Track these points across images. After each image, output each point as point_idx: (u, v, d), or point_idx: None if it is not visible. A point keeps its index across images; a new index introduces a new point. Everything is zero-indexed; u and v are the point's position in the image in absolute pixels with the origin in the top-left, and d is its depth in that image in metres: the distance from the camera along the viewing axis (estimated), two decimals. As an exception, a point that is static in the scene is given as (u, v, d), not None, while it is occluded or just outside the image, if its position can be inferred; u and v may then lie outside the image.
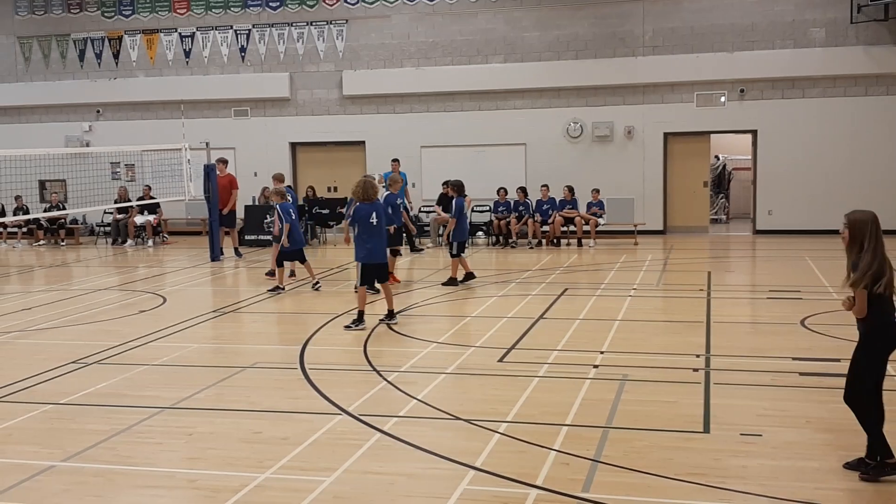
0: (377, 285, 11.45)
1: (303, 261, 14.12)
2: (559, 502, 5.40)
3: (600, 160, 21.83)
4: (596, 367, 8.54)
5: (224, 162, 19.12)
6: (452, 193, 14.43)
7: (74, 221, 23.57)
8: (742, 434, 6.50)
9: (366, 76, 22.90)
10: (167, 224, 23.27)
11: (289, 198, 14.40)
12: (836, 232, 6.34)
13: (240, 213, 20.52)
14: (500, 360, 8.92)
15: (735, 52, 20.87)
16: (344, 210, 18.48)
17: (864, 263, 5.49)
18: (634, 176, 21.74)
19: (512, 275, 15.25)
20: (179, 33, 23.97)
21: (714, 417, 6.89)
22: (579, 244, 19.99)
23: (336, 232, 22.01)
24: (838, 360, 8.08)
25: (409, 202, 19.39)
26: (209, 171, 18.27)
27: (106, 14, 24.40)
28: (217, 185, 18.31)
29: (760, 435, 6.48)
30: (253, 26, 23.53)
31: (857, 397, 5.69)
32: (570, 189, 20.56)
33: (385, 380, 8.24)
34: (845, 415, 5.96)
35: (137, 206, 21.72)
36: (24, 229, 23.19)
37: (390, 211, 14.59)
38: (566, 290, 13.48)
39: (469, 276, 13.99)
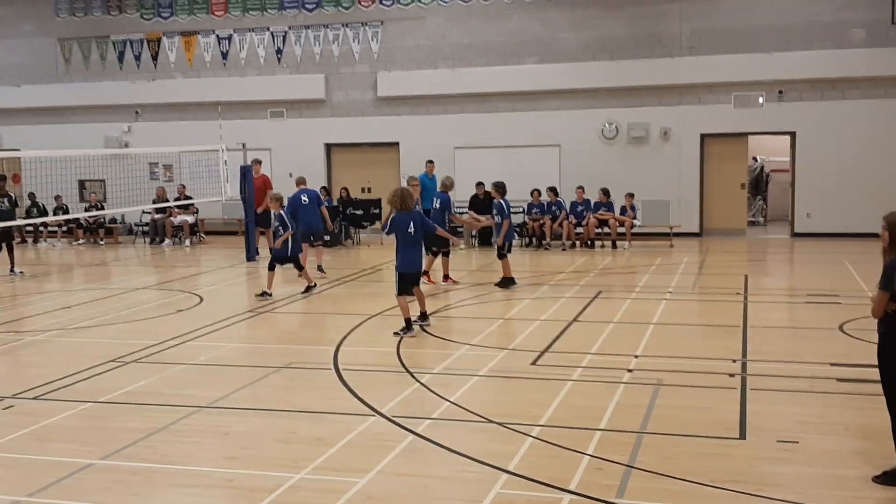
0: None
1: (299, 268, 13.79)
2: (593, 507, 5.38)
3: (636, 161, 21.71)
4: (630, 371, 8.50)
5: (259, 162, 19.32)
6: (496, 195, 14.14)
7: (113, 221, 23.89)
8: (779, 441, 6.43)
9: (400, 77, 22.96)
10: (204, 224, 23.51)
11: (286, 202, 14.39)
12: (875, 235, 6.26)
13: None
14: (534, 363, 8.91)
15: (773, 53, 20.63)
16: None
17: (887, 263, 5.41)
18: (670, 177, 21.59)
19: (545, 277, 15.21)
20: (217, 35, 24.21)
21: (750, 424, 6.83)
22: (614, 246, 19.88)
23: (370, 233, 22.12)
24: (877, 367, 7.95)
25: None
26: (245, 171, 18.45)
27: (145, 16, 24.72)
28: (253, 185, 18.49)
29: (797, 442, 6.41)
30: (289, 28, 23.70)
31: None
32: (605, 191, 20.46)
33: (418, 381, 8.26)
34: (884, 422, 5.87)
35: (176, 206, 21.96)
36: (64, 228, 23.56)
37: (437, 206, 14.64)
38: (600, 292, 13.42)
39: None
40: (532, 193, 20.77)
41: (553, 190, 20.75)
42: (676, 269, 16.15)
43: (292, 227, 13.65)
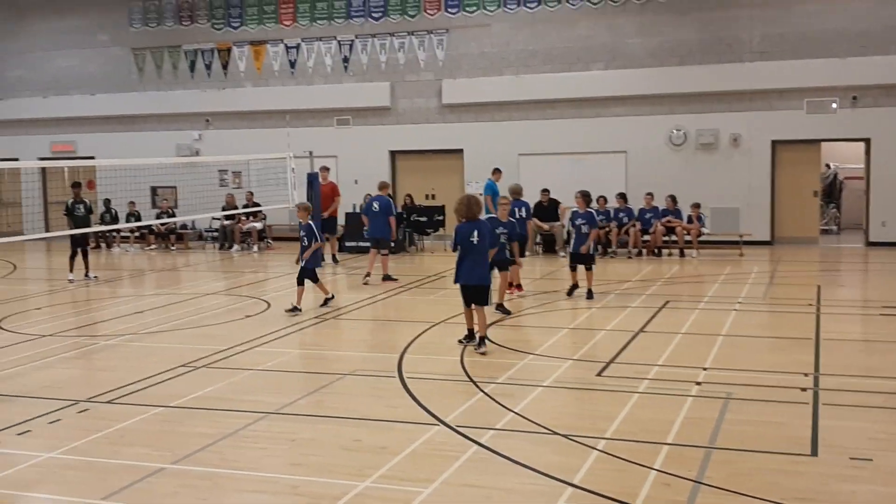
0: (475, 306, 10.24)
1: (315, 280, 13.29)
2: (660, 524, 5.31)
3: (704, 168, 21.38)
4: (699, 384, 8.36)
5: (326, 169, 19.61)
6: (582, 205, 13.64)
7: (184, 227, 24.41)
8: (851, 458, 6.25)
9: (465, 85, 23.01)
10: (271, 230, 23.87)
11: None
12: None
13: (340, 220, 20.87)
14: (599, 374, 8.82)
15: (847, 58, 20.14)
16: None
17: None
18: (740, 185, 21.21)
19: (611, 286, 15.05)
20: (285, 44, 24.59)
21: (822, 440, 6.66)
22: (681, 255, 19.59)
23: (433, 239, 22.19)
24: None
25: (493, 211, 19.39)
26: (312, 179, 18.70)
27: (216, 26, 25.23)
28: (319, 192, 18.73)
29: (871, 459, 6.22)
30: (356, 37, 23.95)
31: None
32: (673, 198, 20.19)
33: (482, 391, 8.25)
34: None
35: (244, 213, 22.35)
36: (137, 234, 24.15)
37: (523, 214, 14.61)
38: (667, 302, 13.23)
39: (575, 287, 13.78)
40: (598, 200, 20.58)
41: (623, 196, 20.54)
42: (746, 278, 15.84)
43: (320, 239, 13.35)
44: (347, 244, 21.32)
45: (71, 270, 16.98)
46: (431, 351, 10.15)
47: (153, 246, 23.78)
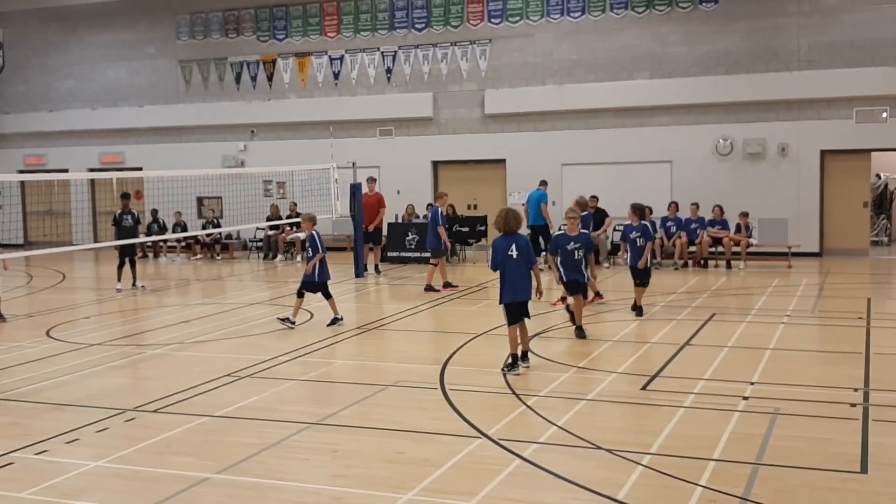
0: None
1: (327, 295, 12.84)
2: (706, 542, 5.22)
3: (751, 178, 21.12)
4: (745, 398, 8.22)
5: (373, 180, 19.79)
6: (635, 219, 13.21)
7: (229, 237, 24.69)
8: (904, 477, 6.12)
9: (508, 95, 23.01)
10: (315, 240, 23.98)
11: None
12: None
13: (383, 231, 20.94)
14: (644, 388, 8.72)
15: (898, 66, 19.80)
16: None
17: None
18: (788, 195, 20.90)
19: (656, 297, 14.89)
20: (329, 56, 24.81)
21: (873, 457, 6.51)
22: (728, 266, 19.34)
23: (475, 249, 22.17)
24: None
25: (549, 221, 19.40)
26: (355, 189, 18.81)
27: (261, 38, 25.54)
28: (362, 203, 18.84)
29: (925, 479, 6.08)
30: (399, 48, 24.08)
31: None
32: (720, 209, 19.95)
33: (524, 404, 8.20)
34: None
35: (288, 224, 22.55)
36: (183, 244, 24.48)
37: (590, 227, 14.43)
38: (714, 315, 13.06)
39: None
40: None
41: (675, 205, 20.29)
42: (795, 291, 15.59)
43: (322, 250, 12.73)
44: (390, 254, 21.39)
45: (119, 280, 17.25)
46: (474, 363, 10.12)
47: (199, 256, 24.07)
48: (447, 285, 16.28)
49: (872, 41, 20.02)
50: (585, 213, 15.01)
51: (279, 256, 23.04)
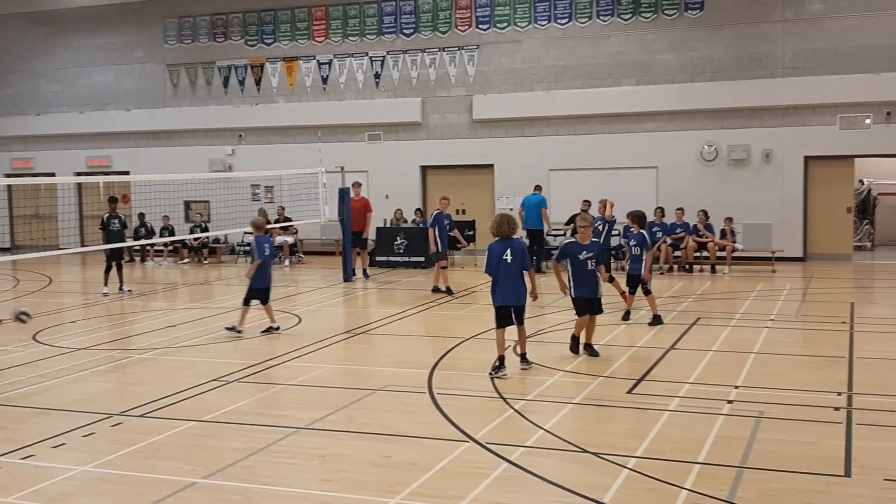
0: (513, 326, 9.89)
1: (265, 302, 12.65)
2: (690, 544, 5.27)
3: (736, 184, 21.27)
4: (730, 402, 8.30)
5: (359, 185, 19.81)
6: (635, 226, 13.10)
7: (217, 241, 24.65)
8: (886, 479, 6.18)
9: (495, 100, 23.09)
10: (303, 244, 24.04)
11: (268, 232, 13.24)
12: None
13: (371, 235, 20.98)
14: (630, 392, 8.79)
15: (881, 74, 19.99)
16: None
17: None
18: (772, 200, 21.05)
19: (642, 302, 14.93)
20: (318, 60, 24.83)
21: (856, 460, 6.59)
22: (713, 271, 19.46)
23: (464, 254, 22.21)
24: None
25: (548, 225, 19.80)
26: (343, 194, 18.84)
27: (249, 42, 25.54)
28: (350, 207, 18.86)
29: (907, 481, 6.16)
30: (387, 53, 24.13)
31: None
32: (705, 213, 20.08)
33: (512, 408, 8.24)
34: None
35: (276, 227, 22.54)
36: (170, 248, 24.42)
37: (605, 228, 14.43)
38: (699, 319, 13.16)
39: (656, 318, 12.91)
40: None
41: (661, 210, 20.33)
42: (779, 295, 15.71)
43: (259, 256, 12.54)
44: (378, 259, 21.43)
45: (105, 284, 17.22)
46: (461, 367, 10.17)
47: (186, 260, 24.03)
48: (436, 290, 16.27)
49: (856, 48, 20.20)
50: (602, 219, 14.94)
51: (266, 261, 22.98)
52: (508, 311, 9.65)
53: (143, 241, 22.83)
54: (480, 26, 23.21)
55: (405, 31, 23.93)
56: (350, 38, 24.50)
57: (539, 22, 22.68)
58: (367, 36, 24.32)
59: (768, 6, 20.82)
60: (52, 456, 7.09)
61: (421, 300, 15.64)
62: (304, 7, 24.90)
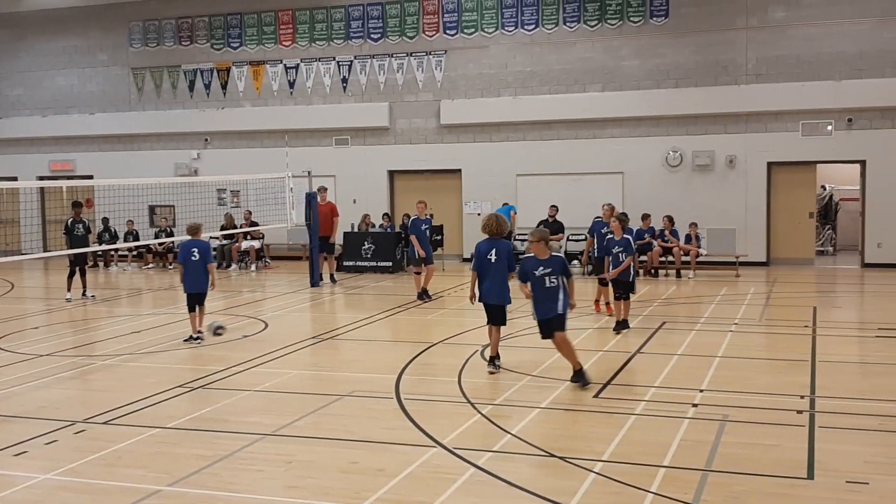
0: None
1: (199, 304, 12.45)
2: (656, 547, 5.31)
3: (700, 189, 21.48)
4: (695, 406, 8.38)
5: (324, 190, 19.71)
6: (617, 231, 12.85)
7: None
8: (848, 481, 6.27)
9: (463, 105, 23.13)
10: (269, 249, 23.90)
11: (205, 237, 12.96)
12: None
13: (338, 240, 20.91)
14: (596, 396, 8.84)
15: (843, 81, 20.31)
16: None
17: None
18: (736, 206, 21.29)
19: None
20: (284, 65, 24.72)
21: (819, 463, 6.67)
22: (678, 275, 19.64)
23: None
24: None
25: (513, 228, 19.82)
26: (310, 198, 18.76)
27: (215, 46, 25.37)
28: (318, 212, 18.79)
29: (867, 483, 6.24)
30: (355, 57, 24.09)
31: None
32: (670, 219, 20.25)
33: (479, 412, 8.26)
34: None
35: (243, 232, 22.41)
36: (135, 253, 24.15)
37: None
38: (664, 323, 13.27)
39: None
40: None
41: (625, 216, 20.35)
42: (743, 299, 15.88)
43: (179, 260, 12.50)
44: (346, 263, 21.38)
45: (69, 289, 16.99)
46: (429, 372, 10.16)
47: (150, 265, 23.79)
48: (421, 296, 16.17)
49: (818, 56, 20.51)
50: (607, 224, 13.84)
51: (233, 265, 22.85)
52: (492, 309, 9.98)
53: (107, 246, 22.53)
54: (448, 32, 23.25)
55: (373, 35, 23.91)
56: (317, 42, 24.43)
57: (506, 28, 22.77)
58: (335, 40, 24.26)
59: (732, 13, 21.07)
60: (13, 464, 6.99)
61: (392, 305, 15.59)
62: (270, 11, 24.79)
